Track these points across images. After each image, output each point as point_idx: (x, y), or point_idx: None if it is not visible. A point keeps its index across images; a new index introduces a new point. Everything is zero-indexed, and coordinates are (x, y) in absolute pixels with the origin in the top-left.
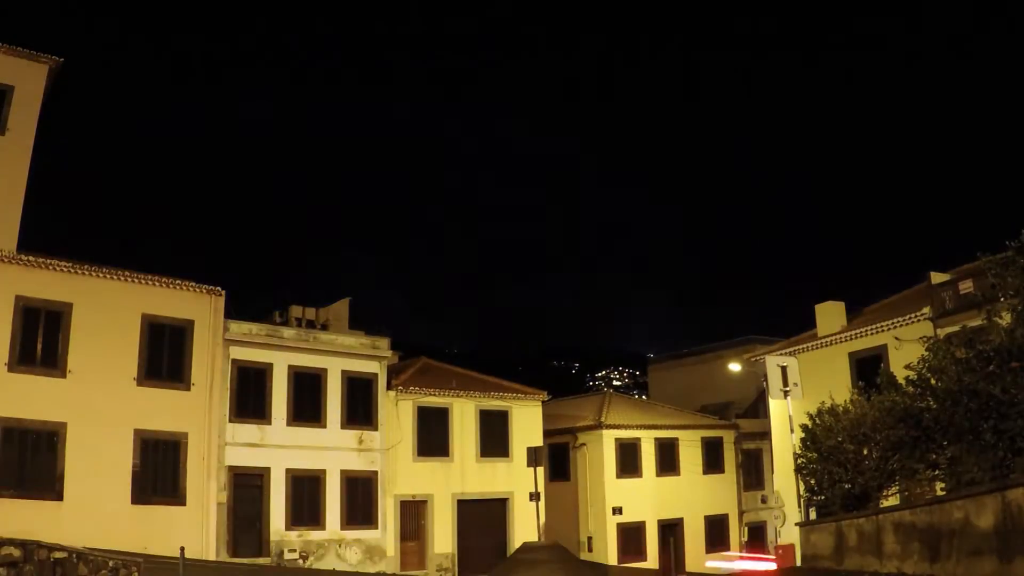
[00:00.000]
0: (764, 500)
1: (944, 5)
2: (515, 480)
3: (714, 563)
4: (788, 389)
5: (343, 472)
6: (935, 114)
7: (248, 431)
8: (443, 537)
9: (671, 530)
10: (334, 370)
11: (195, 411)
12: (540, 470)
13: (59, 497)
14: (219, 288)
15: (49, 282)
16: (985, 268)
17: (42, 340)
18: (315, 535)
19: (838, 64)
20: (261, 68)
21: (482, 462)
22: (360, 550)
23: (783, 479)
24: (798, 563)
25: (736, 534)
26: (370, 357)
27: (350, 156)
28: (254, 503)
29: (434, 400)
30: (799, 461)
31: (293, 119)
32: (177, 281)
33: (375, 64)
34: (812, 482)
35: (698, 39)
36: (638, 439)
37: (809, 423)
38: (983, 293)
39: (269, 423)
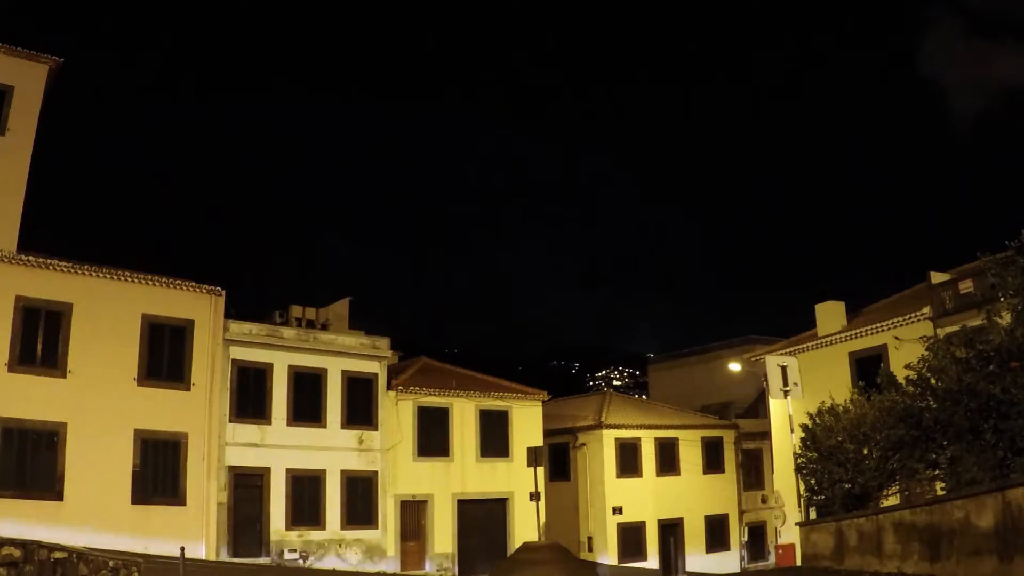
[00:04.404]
0: (764, 500)
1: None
2: (515, 480)
3: None
4: (788, 389)
5: (343, 472)
6: (935, 113)
7: (248, 431)
8: (443, 537)
9: (671, 530)
10: (334, 370)
11: (195, 411)
12: (540, 470)
13: (59, 497)
14: (219, 288)
15: (49, 282)
16: (985, 268)
17: (42, 340)
18: (315, 535)
19: (835, 64)
20: (261, 68)
21: (482, 462)
22: (360, 550)
23: (783, 479)
24: (798, 563)
25: (736, 534)
26: (370, 357)
27: (350, 157)
28: (254, 503)
29: (434, 400)
30: (799, 461)
31: (292, 119)
32: (177, 281)
33: (374, 68)
34: (812, 482)
35: (697, 39)
36: (638, 439)
37: (809, 423)
38: (983, 293)
39: (269, 423)
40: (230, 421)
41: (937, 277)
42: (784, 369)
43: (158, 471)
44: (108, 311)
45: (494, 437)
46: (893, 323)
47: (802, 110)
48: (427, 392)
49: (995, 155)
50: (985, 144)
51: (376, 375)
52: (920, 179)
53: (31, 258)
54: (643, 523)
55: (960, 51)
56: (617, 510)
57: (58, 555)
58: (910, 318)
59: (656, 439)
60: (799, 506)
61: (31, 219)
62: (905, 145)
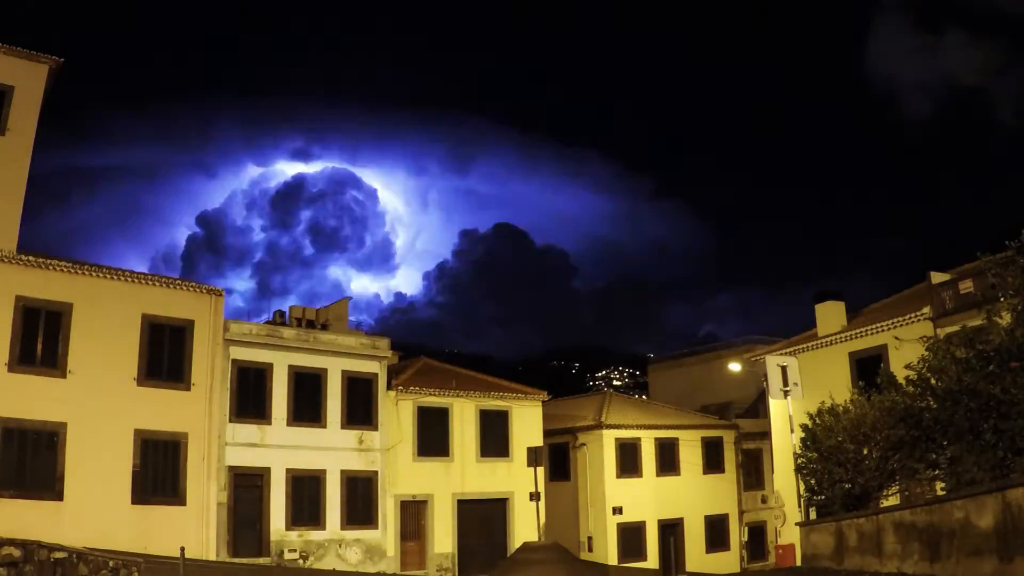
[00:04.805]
0: (764, 500)
1: None
2: (515, 480)
3: None
4: (788, 389)
5: (343, 472)
6: (935, 113)
7: (248, 431)
8: (443, 537)
9: (671, 530)
10: (334, 370)
11: (195, 411)
12: (540, 470)
13: (59, 497)
14: (219, 288)
15: (49, 282)
16: (985, 268)
17: (42, 340)
18: (315, 535)
19: (834, 64)
20: (261, 68)
21: (482, 462)
22: (360, 550)
23: (783, 479)
24: (798, 563)
25: (736, 534)
26: (370, 357)
27: (350, 156)
28: (254, 503)
29: (434, 400)
30: (799, 461)
31: (292, 119)
32: (177, 281)
33: (375, 68)
34: (812, 482)
35: (695, 38)
36: (638, 439)
37: (809, 423)
38: (983, 293)
39: (269, 423)
40: (230, 421)
41: (937, 277)
42: (784, 369)
43: (158, 471)
44: (108, 311)
45: (494, 437)
46: (893, 323)
47: (804, 110)
48: (427, 392)
49: (995, 154)
50: (985, 142)
51: (376, 375)
52: (921, 179)
53: (31, 258)
54: (643, 523)
55: (910, 47)
56: (617, 510)
57: (58, 555)
58: (910, 318)
59: (656, 439)
60: (799, 506)
61: (31, 219)
62: (905, 143)
